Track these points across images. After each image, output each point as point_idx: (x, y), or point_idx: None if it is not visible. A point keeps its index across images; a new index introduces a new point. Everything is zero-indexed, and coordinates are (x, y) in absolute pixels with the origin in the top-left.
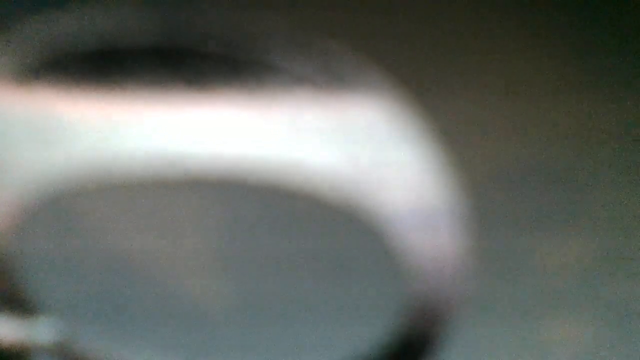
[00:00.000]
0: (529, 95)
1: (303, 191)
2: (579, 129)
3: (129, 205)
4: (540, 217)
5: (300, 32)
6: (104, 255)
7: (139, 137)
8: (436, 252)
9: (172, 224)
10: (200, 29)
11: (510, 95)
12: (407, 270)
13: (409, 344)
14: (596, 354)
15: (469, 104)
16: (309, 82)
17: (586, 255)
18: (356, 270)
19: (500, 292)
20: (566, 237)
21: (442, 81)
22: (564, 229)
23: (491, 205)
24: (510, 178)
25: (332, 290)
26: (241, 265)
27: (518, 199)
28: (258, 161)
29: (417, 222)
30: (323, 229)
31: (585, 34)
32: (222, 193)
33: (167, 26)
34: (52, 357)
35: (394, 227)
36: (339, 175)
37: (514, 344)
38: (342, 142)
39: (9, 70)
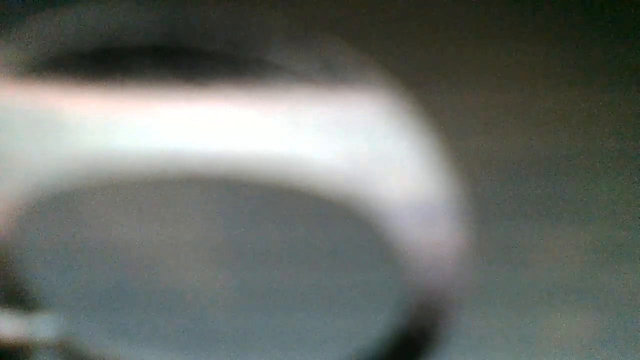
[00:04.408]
0: (528, 88)
1: (302, 187)
2: (578, 120)
3: (130, 202)
4: (539, 210)
5: (299, 30)
6: (105, 252)
7: (139, 135)
8: (435, 245)
9: (172, 220)
10: (200, 27)
11: (508, 88)
12: (407, 264)
13: (408, 337)
14: (597, 346)
15: (468, 98)
16: (308, 80)
17: (587, 247)
18: (355, 264)
19: (500, 286)
20: (566, 230)
21: (440, 75)
22: (564, 221)
23: (490, 199)
24: (509, 171)
25: (331, 285)
26: (241, 261)
27: (517, 192)
28: (257, 158)
29: (416, 217)
30: (322, 224)
31: (584, 25)
32: (221, 189)
33: (167, 25)
34: (54, 353)
35: (393, 222)
36: (338, 171)
37: (514, 337)
38: (342, 138)
39: (10, 69)
